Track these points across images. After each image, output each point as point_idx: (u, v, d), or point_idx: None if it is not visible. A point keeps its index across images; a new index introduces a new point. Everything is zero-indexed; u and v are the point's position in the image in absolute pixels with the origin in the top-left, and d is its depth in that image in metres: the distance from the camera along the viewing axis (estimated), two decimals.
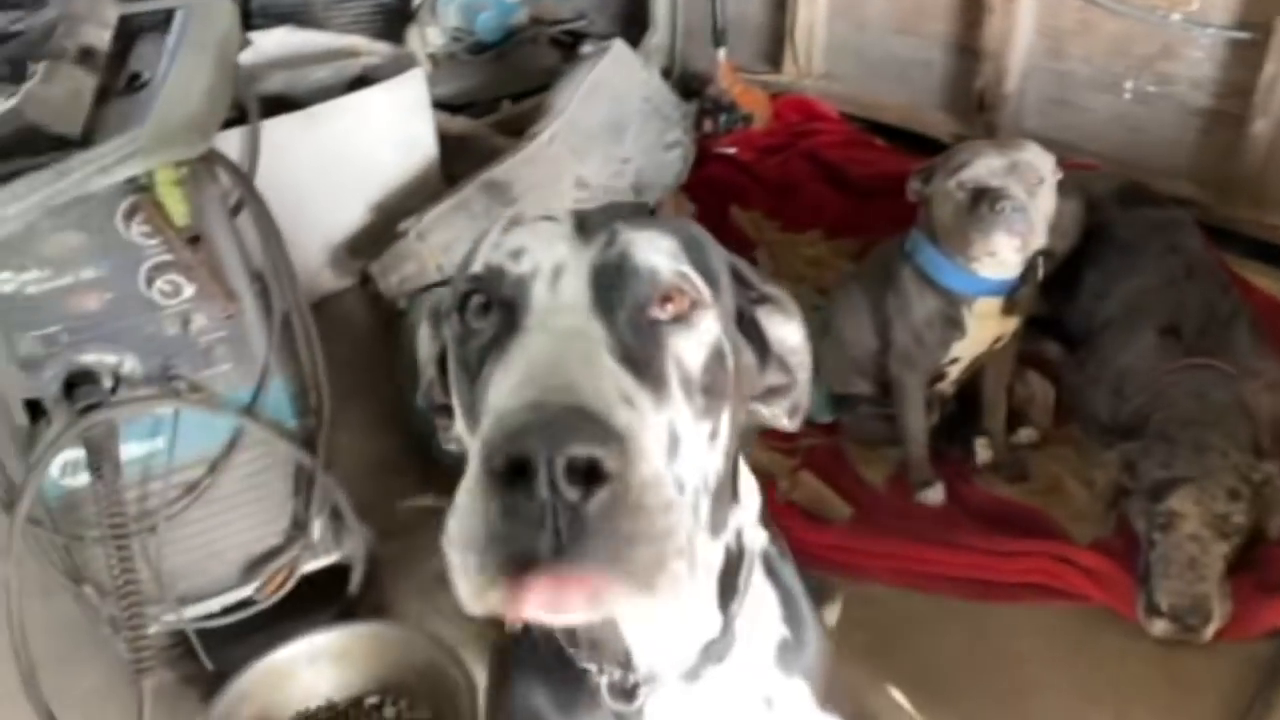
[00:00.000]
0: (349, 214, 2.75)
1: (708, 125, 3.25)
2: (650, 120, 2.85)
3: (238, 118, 1.70)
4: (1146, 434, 1.89)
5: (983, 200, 1.76)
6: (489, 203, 2.55)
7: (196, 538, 1.62)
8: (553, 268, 0.76)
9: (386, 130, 2.72)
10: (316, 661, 1.66)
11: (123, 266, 1.42)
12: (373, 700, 1.68)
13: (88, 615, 1.61)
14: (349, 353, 2.25)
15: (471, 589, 0.64)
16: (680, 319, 0.76)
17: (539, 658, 0.94)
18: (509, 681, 0.99)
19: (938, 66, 3.19)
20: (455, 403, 0.83)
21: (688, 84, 3.43)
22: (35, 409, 1.44)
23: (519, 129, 2.88)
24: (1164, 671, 1.70)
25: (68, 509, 1.51)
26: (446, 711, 1.56)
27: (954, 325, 1.92)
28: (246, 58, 1.83)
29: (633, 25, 3.56)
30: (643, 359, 0.72)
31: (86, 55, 1.49)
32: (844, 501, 2.07)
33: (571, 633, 0.90)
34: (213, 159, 1.46)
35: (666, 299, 0.76)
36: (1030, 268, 1.90)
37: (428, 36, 3.47)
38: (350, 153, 2.64)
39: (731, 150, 3.22)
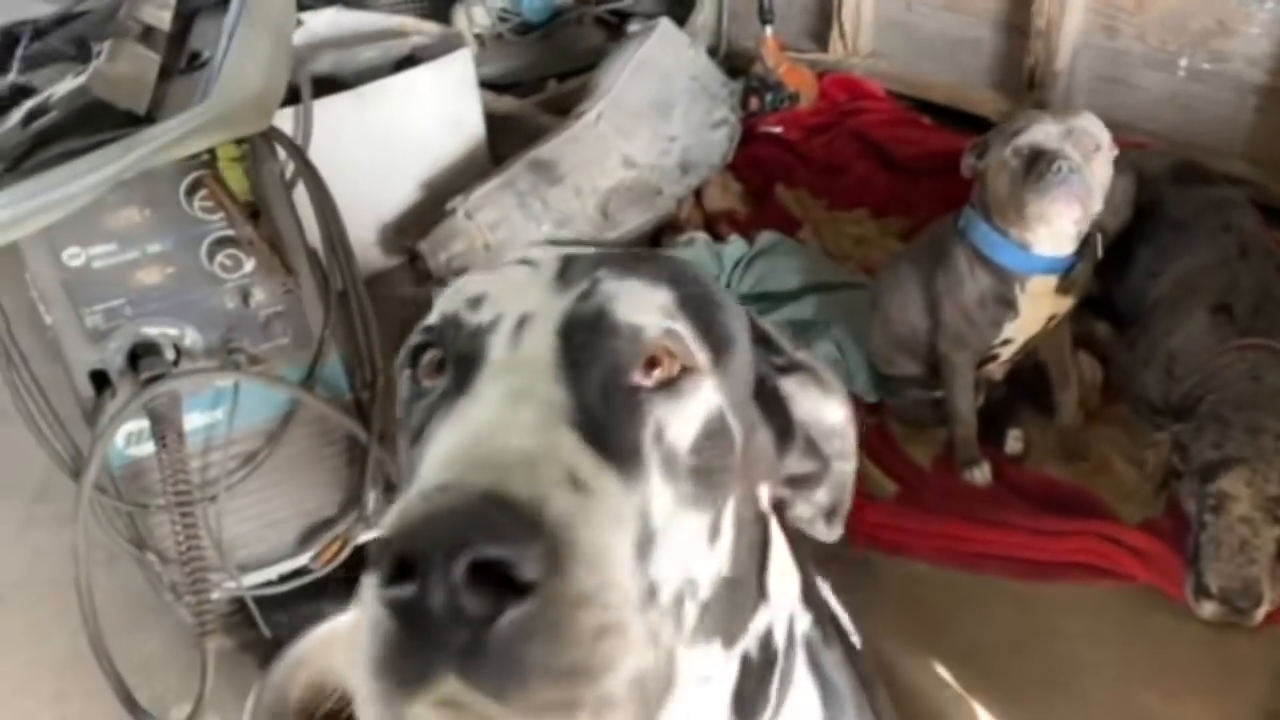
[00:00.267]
0: (397, 193, 2.77)
1: (754, 104, 3.23)
2: (697, 99, 2.86)
3: (289, 98, 1.72)
4: (1198, 415, 1.87)
5: (1039, 162, 1.74)
6: (535, 181, 2.57)
7: (255, 507, 1.66)
8: (517, 319, 0.65)
9: (434, 110, 2.74)
10: None
11: (185, 241, 1.46)
12: None
13: (150, 581, 1.65)
14: (396, 330, 2.27)
15: None
16: (667, 386, 0.64)
17: None
18: None
19: (987, 44, 3.15)
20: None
21: (734, 63, 3.40)
22: (100, 380, 1.48)
23: (565, 108, 2.90)
24: (1213, 653, 1.69)
25: (132, 477, 1.56)
26: None
27: (1006, 304, 1.90)
28: (297, 38, 1.86)
29: (679, 4, 3.54)
30: (612, 432, 0.60)
31: (148, 34, 1.53)
32: (889, 479, 2.07)
33: None
34: (272, 136, 1.49)
35: (652, 362, 0.64)
36: (1088, 245, 1.87)
37: (474, 16, 3.48)
38: (398, 132, 2.65)
39: (778, 129, 3.18)
